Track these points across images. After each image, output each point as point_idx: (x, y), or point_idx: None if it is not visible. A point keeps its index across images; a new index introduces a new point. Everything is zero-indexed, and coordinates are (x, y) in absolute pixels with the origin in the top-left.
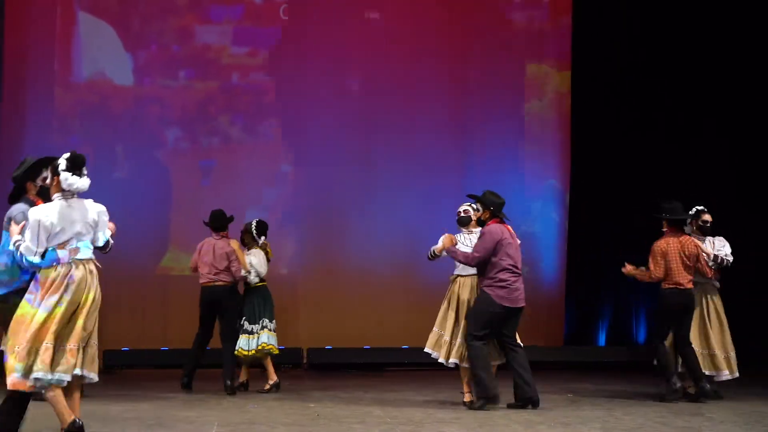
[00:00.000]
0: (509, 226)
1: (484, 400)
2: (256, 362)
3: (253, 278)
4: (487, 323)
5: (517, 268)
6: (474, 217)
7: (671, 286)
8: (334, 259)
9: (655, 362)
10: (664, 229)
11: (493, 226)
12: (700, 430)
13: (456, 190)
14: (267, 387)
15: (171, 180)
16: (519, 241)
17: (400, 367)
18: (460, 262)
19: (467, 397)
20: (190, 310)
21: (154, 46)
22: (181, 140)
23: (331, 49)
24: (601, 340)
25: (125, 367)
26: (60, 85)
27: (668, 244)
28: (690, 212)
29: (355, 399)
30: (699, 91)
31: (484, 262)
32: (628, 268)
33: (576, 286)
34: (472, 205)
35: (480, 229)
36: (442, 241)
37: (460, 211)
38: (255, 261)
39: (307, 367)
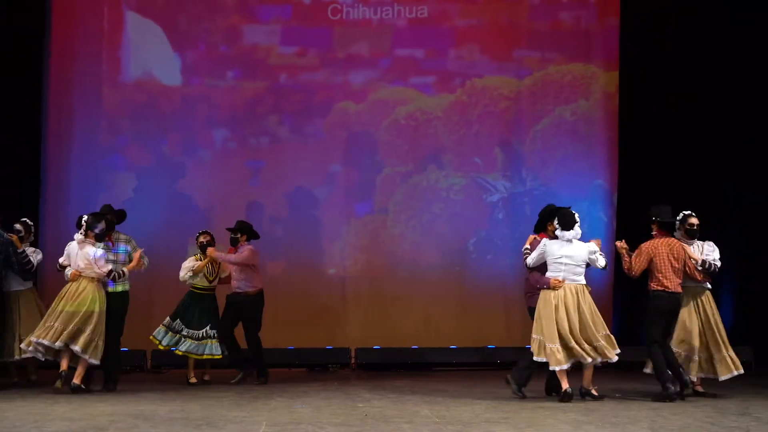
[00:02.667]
0: None
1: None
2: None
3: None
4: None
5: None
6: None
7: (659, 289)
8: (382, 259)
9: (648, 368)
10: (654, 233)
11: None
12: (747, 429)
13: (504, 191)
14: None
15: (219, 180)
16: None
17: (448, 366)
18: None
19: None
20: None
21: (202, 46)
22: (229, 140)
23: (378, 48)
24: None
25: (173, 367)
26: (108, 85)
27: (657, 247)
28: (678, 217)
29: (403, 399)
30: (749, 91)
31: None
32: (620, 244)
33: (623, 287)
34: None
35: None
36: None
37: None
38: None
39: (355, 367)
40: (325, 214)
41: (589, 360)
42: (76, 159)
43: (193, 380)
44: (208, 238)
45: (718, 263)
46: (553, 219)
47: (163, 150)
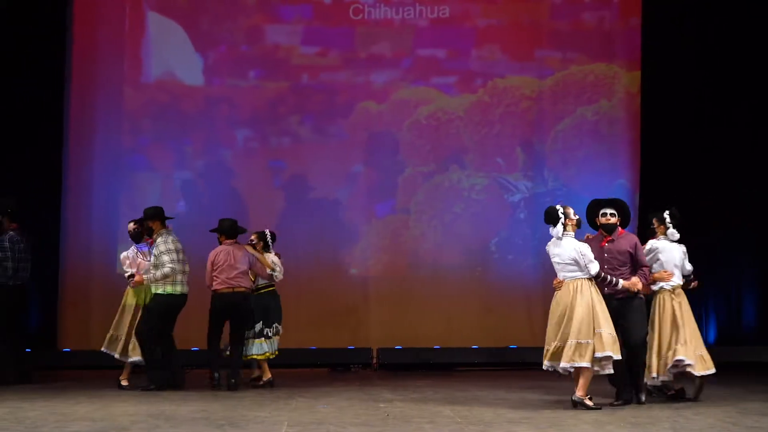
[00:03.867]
0: None
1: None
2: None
3: (278, 275)
4: None
5: None
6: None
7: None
8: (403, 260)
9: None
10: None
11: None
12: None
13: (525, 190)
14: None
15: (241, 180)
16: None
17: (470, 366)
18: (646, 283)
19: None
20: None
21: (223, 46)
22: (250, 140)
23: (400, 48)
24: None
25: (195, 367)
26: (130, 85)
27: None
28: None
29: (425, 399)
30: None
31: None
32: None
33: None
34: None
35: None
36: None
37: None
38: (277, 260)
39: (377, 367)
40: (346, 214)
41: (563, 364)
42: (97, 159)
43: (262, 377)
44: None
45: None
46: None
47: (185, 150)
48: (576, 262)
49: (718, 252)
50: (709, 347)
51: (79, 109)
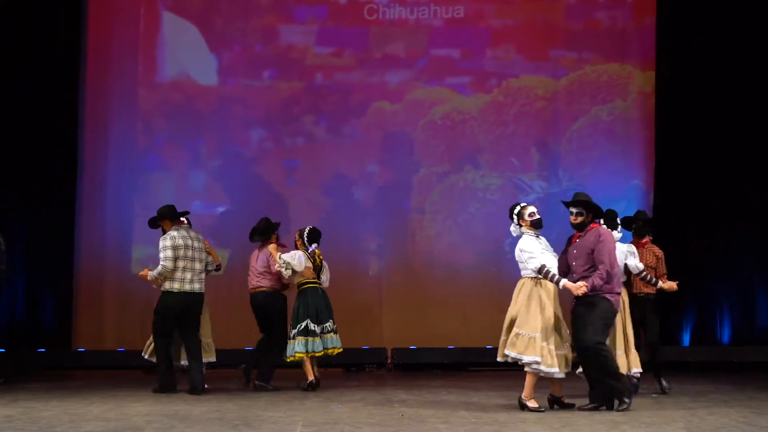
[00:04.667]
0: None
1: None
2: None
3: (285, 272)
4: (608, 330)
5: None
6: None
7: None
8: (418, 260)
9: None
10: (648, 238)
11: (608, 231)
12: None
13: (540, 190)
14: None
15: (255, 180)
16: None
17: (485, 366)
18: (600, 284)
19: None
20: None
21: (237, 46)
22: (265, 140)
23: (415, 48)
24: (686, 340)
25: (208, 367)
26: (144, 85)
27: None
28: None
29: (440, 399)
30: None
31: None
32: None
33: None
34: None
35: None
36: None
37: (534, 212)
38: (287, 257)
39: (392, 367)
40: (360, 214)
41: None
42: (112, 159)
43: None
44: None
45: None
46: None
47: (199, 150)
48: (520, 261)
49: (731, 252)
50: (724, 348)
51: (93, 109)
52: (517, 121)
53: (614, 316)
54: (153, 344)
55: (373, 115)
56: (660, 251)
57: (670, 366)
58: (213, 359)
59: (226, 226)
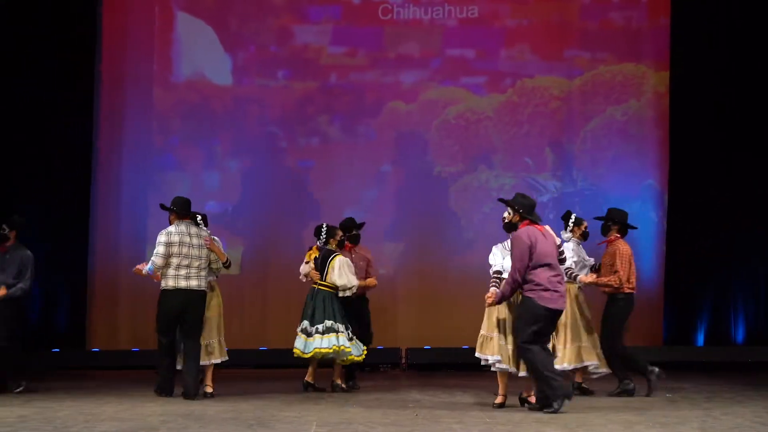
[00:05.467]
0: (543, 226)
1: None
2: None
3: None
4: (535, 328)
5: (556, 270)
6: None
7: (632, 290)
8: (432, 259)
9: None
10: (615, 236)
11: (521, 231)
12: None
13: (554, 190)
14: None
15: (269, 180)
16: (558, 240)
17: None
18: (510, 290)
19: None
20: (289, 311)
21: (252, 46)
22: (279, 140)
23: (429, 48)
24: (700, 340)
25: (223, 367)
26: (159, 85)
27: (628, 250)
28: (571, 220)
29: (454, 399)
30: None
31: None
32: (589, 278)
33: (674, 287)
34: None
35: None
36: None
37: (504, 218)
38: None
39: (406, 367)
40: (374, 214)
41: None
42: (127, 159)
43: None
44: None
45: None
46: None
47: (214, 150)
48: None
49: (745, 252)
50: (738, 348)
51: (108, 109)
52: (532, 121)
53: (539, 313)
54: None
55: (387, 115)
56: (623, 248)
57: (684, 366)
58: (217, 360)
59: (241, 226)
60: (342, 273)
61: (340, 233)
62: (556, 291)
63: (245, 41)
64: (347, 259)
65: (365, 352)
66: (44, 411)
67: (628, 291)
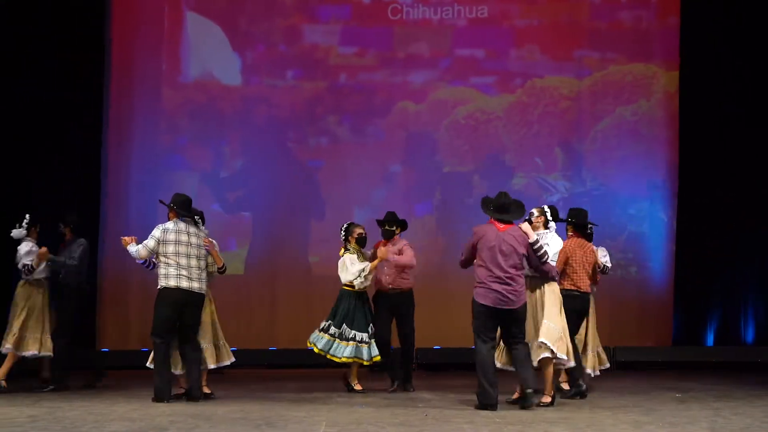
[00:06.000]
0: (512, 225)
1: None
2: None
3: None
4: (476, 323)
5: (492, 269)
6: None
7: (571, 288)
8: (441, 259)
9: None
10: (570, 234)
11: (479, 227)
12: None
13: (564, 190)
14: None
15: (278, 180)
16: (535, 237)
17: (509, 366)
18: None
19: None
20: (297, 310)
21: (261, 46)
22: (288, 140)
23: (438, 48)
24: (710, 340)
25: (232, 368)
26: (168, 85)
27: (573, 248)
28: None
29: (464, 399)
30: None
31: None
32: None
33: (684, 287)
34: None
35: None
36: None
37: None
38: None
39: (416, 367)
40: (384, 214)
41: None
42: (135, 159)
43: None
44: (362, 230)
45: (609, 265)
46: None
47: (223, 150)
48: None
49: (755, 252)
50: (748, 348)
51: (117, 109)
52: (541, 121)
53: (475, 309)
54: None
55: (397, 115)
56: (568, 245)
57: (694, 366)
58: (212, 366)
59: (249, 225)
60: (341, 270)
61: (358, 230)
62: (488, 288)
63: (254, 41)
64: (349, 255)
65: (376, 358)
66: (54, 411)
67: (567, 287)
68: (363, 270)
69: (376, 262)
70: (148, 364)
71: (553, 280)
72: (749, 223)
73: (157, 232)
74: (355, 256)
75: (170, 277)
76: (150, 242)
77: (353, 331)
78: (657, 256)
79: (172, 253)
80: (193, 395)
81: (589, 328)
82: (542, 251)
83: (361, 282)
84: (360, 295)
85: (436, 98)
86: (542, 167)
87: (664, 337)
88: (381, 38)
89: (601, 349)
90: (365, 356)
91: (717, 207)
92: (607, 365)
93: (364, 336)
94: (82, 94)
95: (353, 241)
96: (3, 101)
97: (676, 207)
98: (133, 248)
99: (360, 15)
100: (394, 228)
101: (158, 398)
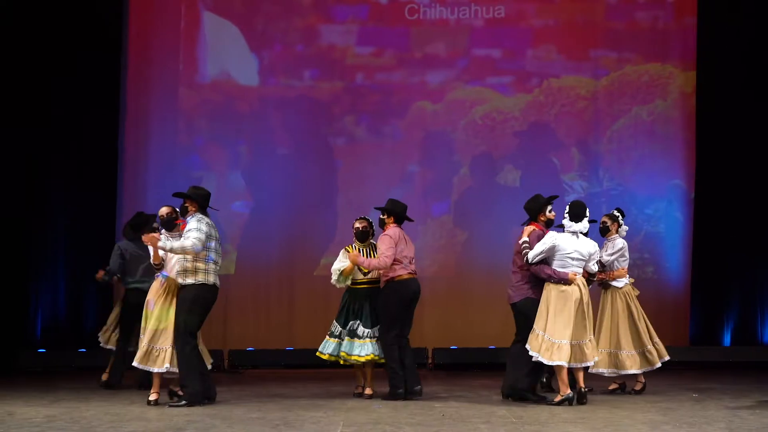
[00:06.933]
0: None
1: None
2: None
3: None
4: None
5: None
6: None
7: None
8: (459, 259)
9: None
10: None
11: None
12: None
13: (581, 191)
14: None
15: (295, 181)
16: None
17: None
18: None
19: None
20: (315, 310)
21: (278, 46)
22: (306, 141)
23: (455, 48)
24: (727, 340)
25: (250, 367)
26: (185, 85)
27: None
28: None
29: (480, 399)
30: None
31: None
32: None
33: (701, 287)
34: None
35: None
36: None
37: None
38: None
39: (432, 367)
40: None
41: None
42: (152, 159)
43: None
44: (365, 224)
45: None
46: (545, 208)
47: (240, 150)
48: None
49: None
50: (765, 347)
51: (134, 109)
52: (558, 121)
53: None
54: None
55: (414, 115)
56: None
57: (711, 366)
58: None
59: (266, 226)
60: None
61: (356, 224)
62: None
63: (271, 41)
64: (343, 251)
65: (371, 356)
66: (71, 411)
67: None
68: (338, 270)
69: (349, 266)
70: (134, 363)
71: (554, 281)
72: (766, 223)
73: (203, 225)
74: (349, 253)
75: (210, 272)
76: (202, 235)
77: (365, 329)
78: (674, 256)
79: (214, 249)
80: (209, 395)
81: (603, 327)
82: (524, 252)
83: (335, 281)
84: (357, 291)
85: (453, 98)
86: (559, 167)
87: (681, 337)
88: (398, 38)
89: (630, 350)
90: (380, 353)
91: (734, 207)
92: (656, 365)
93: (375, 331)
94: (98, 94)
95: (354, 237)
96: (18, 104)
97: (693, 207)
98: (179, 244)
99: (377, 15)
100: (384, 217)
101: (202, 399)
